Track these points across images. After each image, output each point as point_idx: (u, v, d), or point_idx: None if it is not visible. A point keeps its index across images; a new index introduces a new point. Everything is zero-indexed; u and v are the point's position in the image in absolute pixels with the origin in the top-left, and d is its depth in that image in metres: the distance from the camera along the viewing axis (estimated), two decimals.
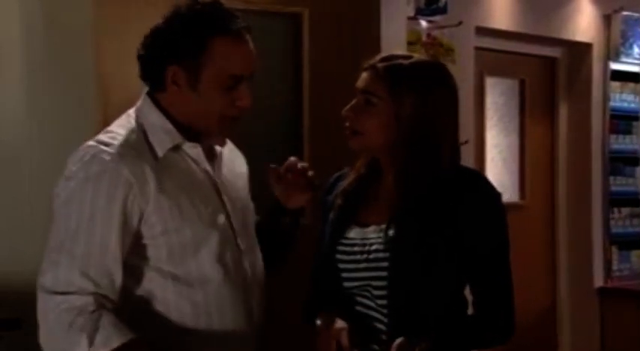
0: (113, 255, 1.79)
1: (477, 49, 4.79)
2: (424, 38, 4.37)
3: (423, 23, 4.36)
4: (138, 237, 1.82)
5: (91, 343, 1.71)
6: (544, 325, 5.52)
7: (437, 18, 4.37)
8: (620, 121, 5.62)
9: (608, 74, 5.54)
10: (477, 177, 2.09)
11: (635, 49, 5.59)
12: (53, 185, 1.85)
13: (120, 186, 1.78)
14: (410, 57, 2.09)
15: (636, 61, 5.62)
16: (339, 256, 2.06)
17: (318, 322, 1.97)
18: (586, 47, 5.48)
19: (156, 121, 1.89)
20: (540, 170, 5.53)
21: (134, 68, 1.93)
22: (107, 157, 1.80)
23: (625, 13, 5.50)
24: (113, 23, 3.25)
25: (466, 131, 4.46)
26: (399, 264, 1.98)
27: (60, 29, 2.86)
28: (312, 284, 2.15)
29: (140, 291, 1.84)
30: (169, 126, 1.89)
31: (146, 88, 1.94)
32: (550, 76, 5.60)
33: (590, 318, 5.49)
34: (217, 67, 1.84)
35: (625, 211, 5.64)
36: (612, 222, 5.56)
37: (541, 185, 5.53)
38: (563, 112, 5.61)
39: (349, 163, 2.17)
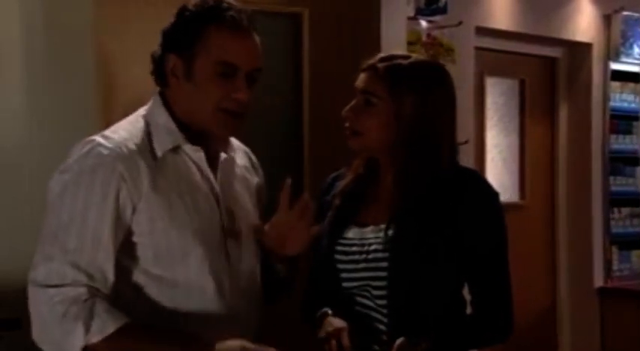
0: (105, 249, 1.77)
1: (477, 49, 4.79)
2: (424, 38, 4.37)
3: (423, 23, 4.36)
4: (129, 233, 1.81)
5: (87, 330, 1.70)
6: (544, 325, 5.52)
7: (437, 18, 4.37)
8: (620, 121, 5.62)
9: (608, 74, 5.54)
10: (475, 177, 2.09)
11: (635, 49, 5.59)
12: (52, 204, 1.85)
13: (114, 180, 1.77)
14: (409, 57, 2.09)
15: (636, 61, 5.62)
16: (337, 257, 2.06)
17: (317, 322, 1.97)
18: (586, 47, 5.48)
19: (161, 120, 1.88)
20: (540, 170, 5.53)
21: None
22: (104, 151, 1.80)
23: (625, 13, 5.50)
24: (113, 23, 3.25)
25: (466, 131, 4.47)
26: (398, 264, 1.98)
27: (60, 29, 2.86)
28: (310, 284, 2.15)
29: (128, 292, 1.82)
30: (173, 126, 1.87)
31: (157, 88, 1.95)
32: (550, 76, 5.60)
33: (590, 318, 5.49)
34: (210, 54, 1.83)
35: (625, 211, 5.64)
36: (612, 222, 5.56)
37: (541, 185, 5.53)
38: (563, 112, 5.61)
39: (349, 163, 2.17)
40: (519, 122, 5.41)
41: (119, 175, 1.78)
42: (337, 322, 1.95)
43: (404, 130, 2.01)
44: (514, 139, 5.39)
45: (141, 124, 1.89)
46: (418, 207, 2.00)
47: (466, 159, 4.34)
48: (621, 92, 5.61)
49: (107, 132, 1.86)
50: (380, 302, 2.01)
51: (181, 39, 1.85)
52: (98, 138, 1.83)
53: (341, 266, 2.05)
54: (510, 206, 5.13)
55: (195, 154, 1.88)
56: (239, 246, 1.93)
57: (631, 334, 5.29)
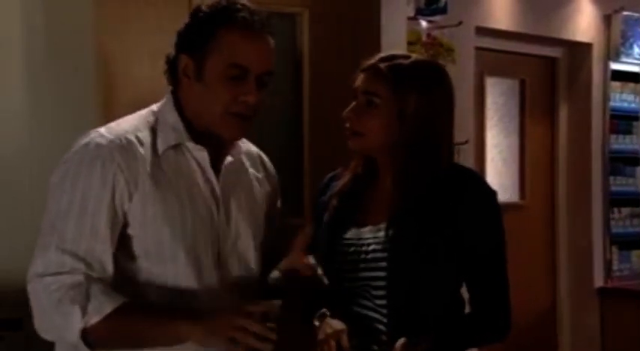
0: (103, 240, 1.77)
1: (477, 49, 4.79)
2: (424, 38, 4.37)
3: (423, 23, 4.37)
4: (125, 225, 1.81)
5: (84, 313, 1.70)
6: (544, 325, 5.52)
7: (437, 18, 4.37)
8: (620, 121, 5.62)
9: (609, 74, 5.54)
10: (473, 176, 2.09)
11: (636, 49, 5.59)
12: (50, 195, 1.85)
13: (112, 170, 1.77)
14: (409, 56, 2.09)
15: (636, 61, 5.62)
16: (336, 258, 2.06)
17: (316, 323, 1.97)
18: (586, 47, 5.48)
19: (169, 118, 1.88)
20: (540, 170, 5.53)
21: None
22: (103, 142, 1.80)
23: (625, 13, 5.50)
24: (113, 23, 3.26)
25: (466, 131, 4.47)
26: (397, 264, 1.98)
27: (60, 29, 2.86)
28: None
29: (119, 284, 1.81)
30: (180, 125, 1.87)
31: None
32: (550, 76, 5.60)
33: (590, 318, 5.49)
34: (221, 55, 1.82)
35: (625, 211, 5.64)
36: (612, 222, 5.56)
37: (541, 185, 5.53)
38: (563, 112, 5.61)
39: (349, 163, 2.17)
40: (519, 122, 5.41)
41: (117, 166, 1.78)
42: (336, 324, 1.94)
43: (406, 130, 2.01)
44: (514, 139, 5.39)
45: (150, 119, 1.89)
46: (417, 207, 2.00)
47: (466, 159, 4.34)
48: (621, 92, 5.62)
49: (112, 124, 1.87)
50: (379, 302, 2.01)
51: (193, 40, 1.84)
52: (100, 129, 1.84)
53: (340, 267, 2.04)
54: (510, 206, 5.13)
55: (198, 153, 1.87)
56: (235, 251, 1.91)
57: (631, 334, 5.29)
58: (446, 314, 2.01)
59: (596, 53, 5.50)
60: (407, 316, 1.98)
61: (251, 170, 2.01)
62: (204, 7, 1.87)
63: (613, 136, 5.58)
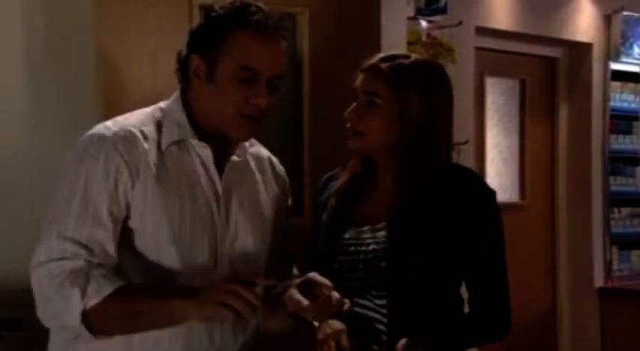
0: (105, 227, 1.77)
1: (477, 49, 4.79)
2: (424, 38, 4.37)
3: (423, 23, 4.36)
4: (127, 218, 1.81)
5: (83, 294, 1.70)
6: (544, 325, 5.52)
7: (437, 18, 4.37)
8: (621, 121, 5.62)
9: (609, 74, 5.54)
10: (473, 176, 2.09)
11: (636, 49, 5.59)
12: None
13: (115, 162, 1.78)
14: (409, 56, 2.09)
15: (636, 61, 5.62)
16: (336, 258, 2.06)
17: (316, 323, 1.97)
18: (586, 47, 5.48)
19: (175, 115, 1.88)
20: (540, 170, 5.53)
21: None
22: (107, 133, 1.81)
23: (625, 13, 5.50)
24: (113, 23, 3.26)
25: (466, 131, 4.47)
26: (397, 264, 1.98)
27: (60, 29, 2.86)
28: None
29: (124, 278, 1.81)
30: (185, 122, 1.87)
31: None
32: (550, 76, 5.60)
33: (590, 318, 5.49)
34: (234, 58, 1.82)
35: (625, 211, 5.64)
36: (612, 222, 5.56)
37: (541, 185, 5.53)
38: (563, 112, 5.61)
39: (347, 162, 2.16)
40: (519, 122, 5.41)
41: (120, 156, 1.79)
42: (336, 324, 1.94)
43: (406, 130, 2.01)
44: (514, 139, 5.39)
45: (157, 115, 1.89)
46: (417, 207, 2.00)
47: (466, 159, 4.34)
48: (621, 92, 5.61)
49: (119, 117, 1.88)
50: (379, 302, 2.01)
51: (206, 40, 1.84)
52: (107, 122, 1.86)
53: (339, 267, 2.04)
54: (510, 206, 5.13)
55: (202, 150, 1.87)
56: (232, 250, 1.90)
57: (631, 334, 5.29)
58: (446, 314, 2.02)
59: (596, 53, 5.50)
60: (407, 316, 1.98)
61: (257, 172, 2.01)
62: (217, 8, 1.87)
63: (613, 136, 5.57)
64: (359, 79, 2.06)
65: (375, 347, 1.99)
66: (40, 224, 1.82)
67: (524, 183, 5.42)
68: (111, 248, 1.78)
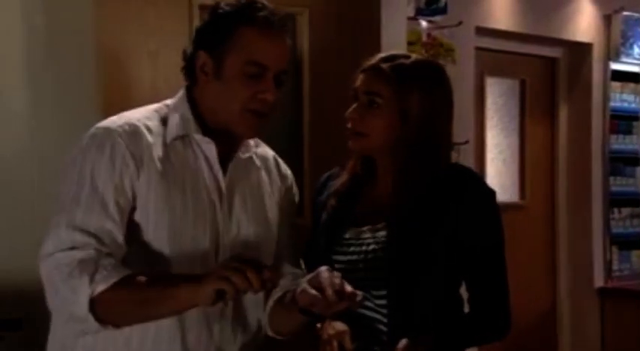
0: (113, 217, 1.78)
1: (477, 49, 4.79)
2: (424, 38, 4.37)
3: (423, 23, 4.36)
4: (133, 209, 1.82)
5: (91, 281, 1.71)
6: (544, 325, 5.52)
7: (437, 18, 4.37)
8: (621, 122, 5.62)
9: (609, 74, 5.54)
10: (473, 176, 2.10)
11: (636, 49, 5.59)
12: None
13: (121, 154, 1.79)
14: (409, 56, 2.09)
15: (636, 62, 5.62)
16: (335, 257, 2.06)
17: (318, 324, 1.97)
18: (586, 47, 5.48)
19: (180, 111, 1.90)
20: (540, 170, 5.53)
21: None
22: (113, 127, 1.83)
23: (625, 13, 5.50)
24: (113, 23, 3.26)
25: (466, 131, 4.47)
26: (397, 264, 1.98)
27: (60, 29, 2.86)
28: None
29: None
30: (190, 117, 1.89)
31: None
32: (550, 76, 5.60)
33: (590, 318, 5.49)
34: (241, 53, 1.83)
35: (625, 211, 5.64)
36: (612, 222, 5.56)
37: (541, 185, 5.53)
38: (563, 112, 5.61)
39: (346, 162, 2.16)
40: (519, 122, 5.41)
41: (126, 148, 1.80)
42: (339, 325, 1.94)
43: (407, 130, 2.01)
44: (514, 139, 5.39)
45: (162, 111, 1.91)
46: (417, 207, 2.00)
47: (466, 159, 4.34)
48: (621, 92, 5.62)
49: (124, 112, 1.90)
50: (379, 302, 2.01)
51: (213, 37, 1.86)
52: (112, 117, 1.87)
53: (340, 267, 2.04)
54: (510, 206, 5.13)
55: (205, 145, 1.88)
56: (235, 246, 1.90)
57: (631, 334, 5.29)
58: (445, 314, 2.02)
59: (596, 53, 5.50)
60: (407, 316, 1.98)
61: (263, 170, 2.02)
62: (223, 5, 1.88)
63: (613, 136, 5.58)
64: (359, 79, 2.06)
65: (376, 348, 1.99)
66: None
67: (524, 183, 5.42)
68: (120, 238, 1.79)
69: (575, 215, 5.56)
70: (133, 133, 1.83)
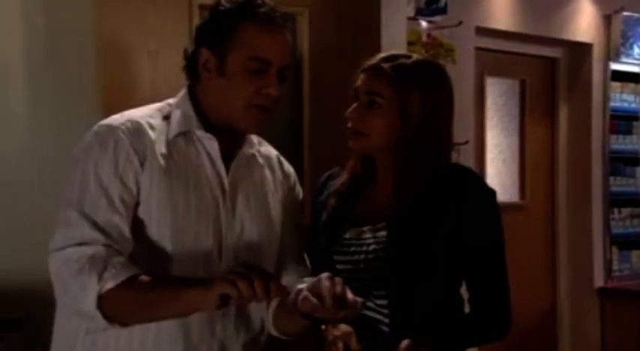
0: (120, 213, 1.79)
1: (477, 49, 4.79)
2: (424, 38, 4.37)
3: (423, 23, 4.36)
4: (137, 204, 1.82)
5: (100, 279, 1.71)
6: (544, 325, 5.52)
7: (437, 18, 4.37)
8: (621, 122, 5.62)
9: (609, 74, 5.54)
10: (473, 176, 2.09)
11: (636, 50, 5.59)
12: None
13: (124, 150, 1.80)
14: (410, 56, 2.09)
15: (636, 62, 5.62)
16: (336, 257, 2.05)
17: (323, 326, 1.97)
18: (586, 47, 5.48)
19: (183, 108, 1.91)
20: (540, 170, 5.53)
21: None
22: (116, 124, 1.84)
23: (625, 13, 5.50)
24: (113, 23, 3.26)
25: (466, 131, 4.47)
26: (398, 264, 1.98)
27: (60, 29, 2.86)
28: None
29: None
30: (192, 114, 1.89)
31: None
32: (550, 77, 5.61)
33: (590, 318, 5.49)
34: (243, 49, 1.85)
35: (625, 211, 5.64)
36: (613, 222, 5.56)
37: (541, 185, 5.53)
38: (563, 113, 5.61)
39: (346, 162, 2.16)
40: (519, 122, 5.41)
41: (129, 144, 1.81)
42: (344, 326, 1.94)
43: (408, 130, 2.01)
44: (514, 139, 5.39)
45: (165, 109, 1.92)
46: (417, 207, 2.00)
47: (466, 159, 4.34)
48: (621, 92, 5.62)
49: (127, 111, 1.91)
50: (380, 302, 2.01)
51: (215, 34, 1.87)
52: (114, 115, 1.88)
53: (340, 267, 2.04)
54: (510, 206, 5.13)
55: (208, 142, 1.88)
56: (238, 244, 1.90)
57: (631, 334, 5.29)
58: (446, 314, 2.02)
59: (596, 53, 5.50)
60: (408, 316, 1.98)
61: (266, 169, 2.02)
62: (224, 2, 1.89)
63: (613, 137, 5.58)
64: (360, 79, 2.06)
65: (380, 349, 1.99)
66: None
67: (524, 183, 5.42)
68: (127, 232, 1.80)
69: (575, 215, 5.56)
70: (135, 130, 1.84)
